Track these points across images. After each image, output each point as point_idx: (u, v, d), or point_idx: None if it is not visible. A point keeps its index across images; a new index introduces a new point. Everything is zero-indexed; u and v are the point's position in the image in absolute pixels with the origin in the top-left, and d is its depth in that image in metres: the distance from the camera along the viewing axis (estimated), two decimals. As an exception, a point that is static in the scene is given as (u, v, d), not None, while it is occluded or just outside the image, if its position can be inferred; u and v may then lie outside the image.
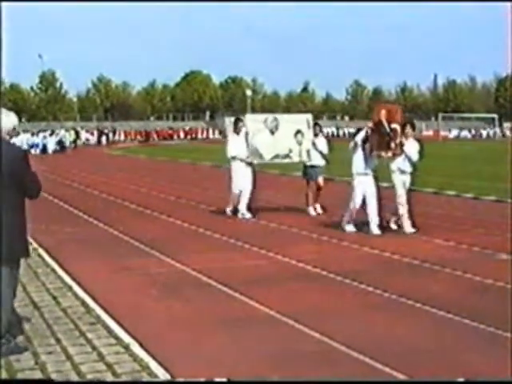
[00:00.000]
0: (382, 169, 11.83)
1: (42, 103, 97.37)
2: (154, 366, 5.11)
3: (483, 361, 5.30)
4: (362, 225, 11.42)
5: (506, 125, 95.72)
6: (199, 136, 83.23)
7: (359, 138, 11.38)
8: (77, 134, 61.34)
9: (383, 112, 11.39)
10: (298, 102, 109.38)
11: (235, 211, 13.54)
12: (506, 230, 11.31)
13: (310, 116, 14.21)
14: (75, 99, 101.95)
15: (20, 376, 4.94)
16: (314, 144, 13.74)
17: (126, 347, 5.52)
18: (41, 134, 50.84)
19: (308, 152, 13.60)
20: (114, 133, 75.41)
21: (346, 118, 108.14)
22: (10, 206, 5.17)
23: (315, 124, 14.22)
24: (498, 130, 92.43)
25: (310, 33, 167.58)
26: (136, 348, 5.50)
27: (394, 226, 11.62)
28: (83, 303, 6.95)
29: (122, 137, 76.66)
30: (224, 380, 4.81)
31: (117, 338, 5.79)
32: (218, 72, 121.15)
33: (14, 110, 6.42)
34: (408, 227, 11.31)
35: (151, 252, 9.83)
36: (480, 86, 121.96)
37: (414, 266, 8.81)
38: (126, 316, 6.46)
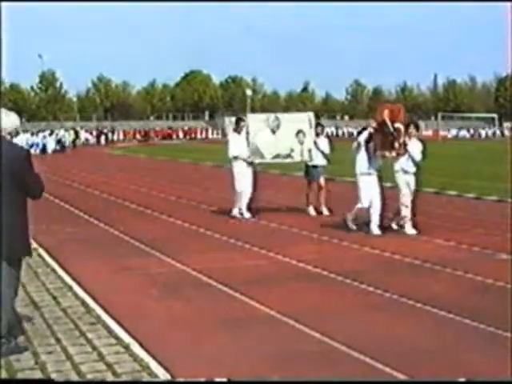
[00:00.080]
0: (386, 169, 11.82)
1: (42, 103, 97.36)
2: (154, 365, 5.11)
3: (484, 361, 5.30)
4: (362, 225, 11.42)
5: (506, 124, 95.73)
6: (198, 136, 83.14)
7: (362, 138, 11.36)
8: (76, 133, 61.37)
9: (386, 112, 11.36)
10: (297, 102, 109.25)
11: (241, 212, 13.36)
12: (507, 229, 11.31)
13: (311, 114, 14.04)
14: (75, 99, 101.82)
15: (20, 376, 4.94)
16: (315, 144, 13.71)
17: (126, 347, 5.52)
18: (40, 134, 50.85)
19: (310, 152, 13.55)
20: (113, 132, 75.39)
21: (346, 117, 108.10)
22: (11, 206, 5.17)
23: (317, 124, 14.18)
24: (497, 129, 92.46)
25: (309, 33, 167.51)
26: (136, 348, 5.50)
27: (394, 226, 11.61)
28: (83, 303, 6.95)
29: (121, 136, 76.64)
30: (224, 380, 4.81)
31: (117, 337, 5.79)
32: (217, 72, 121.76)
33: (14, 109, 6.43)
34: (409, 229, 11.29)
35: (151, 252, 9.82)
36: (480, 85, 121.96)
37: (415, 266, 8.81)
38: (127, 316, 6.46)
